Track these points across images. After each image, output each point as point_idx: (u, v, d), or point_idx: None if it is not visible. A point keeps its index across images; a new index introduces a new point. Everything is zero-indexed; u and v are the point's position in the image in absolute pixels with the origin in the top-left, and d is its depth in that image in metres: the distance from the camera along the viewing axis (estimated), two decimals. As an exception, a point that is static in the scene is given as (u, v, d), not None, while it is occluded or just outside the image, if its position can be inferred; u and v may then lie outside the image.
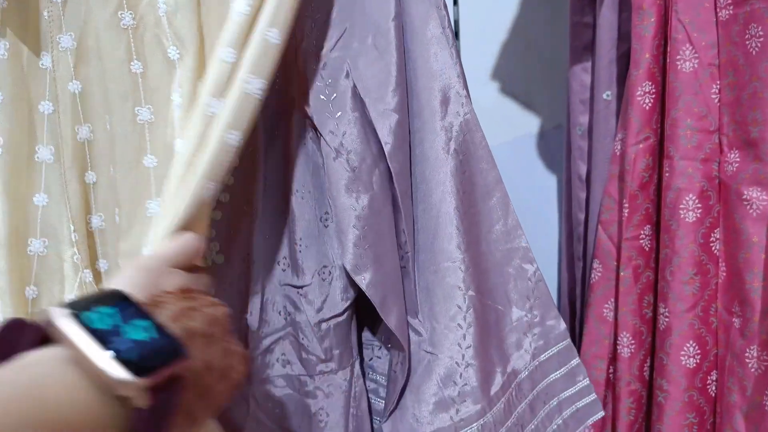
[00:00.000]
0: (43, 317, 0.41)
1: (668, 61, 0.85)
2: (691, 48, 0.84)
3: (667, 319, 0.87)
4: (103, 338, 0.40)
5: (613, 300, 0.92)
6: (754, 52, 0.79)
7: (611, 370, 0.94)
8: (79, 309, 0.41)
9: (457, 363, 0.64)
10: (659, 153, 0.88)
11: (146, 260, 0.49)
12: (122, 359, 0.39)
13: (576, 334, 1.07)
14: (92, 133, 0.62)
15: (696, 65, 0.84)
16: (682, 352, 0.86)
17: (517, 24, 1.19)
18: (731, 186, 0.84)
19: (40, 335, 0.41)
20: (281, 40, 0.54)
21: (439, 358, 0.65)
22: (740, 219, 0.83)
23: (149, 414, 0.40)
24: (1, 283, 0.60)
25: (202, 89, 0.54)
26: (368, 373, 0.71)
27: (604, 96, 0.98)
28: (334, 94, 0.63)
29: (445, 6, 0.67)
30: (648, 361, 0.91)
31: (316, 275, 0.66)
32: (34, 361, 0.39)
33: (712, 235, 0.86)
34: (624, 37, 0.95)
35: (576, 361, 0.69)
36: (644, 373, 0.91)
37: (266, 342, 0.67)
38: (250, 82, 0.54)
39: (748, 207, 0.82)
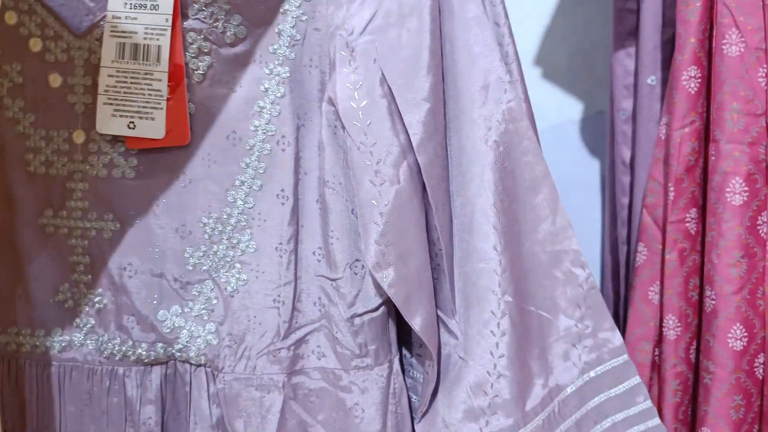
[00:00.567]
0: None
1: (714, 45, 0.85)
2: (737, 32, 0.83)
3: (713, 302, 0.85)
4: None
5: (658, 283, 0.91)
6: (801, 36, 0.78)
7: (656, 353, 0.93)
8: None
9: (488, 372, 0.60)
10: (705, 137, 0.88)
11: None
12: None
13: (620, 318, 1.06)
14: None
15: (742, 49, 0.83)
16: (729, 335, 0.84)
17: (558, 9, 1.18)
18: (779, 169, 0.83)
19: None
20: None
21: (470, 365, 0.61)
22: (787, 202, 0.81)
23: None
24: None
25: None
26: (408, 370, 0.68)
27: (649, 81, 0.98)
28: (360, 82, 0.60)
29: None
30: (694, 343, 0.90)
31: (348, 269, 0.63)
32: None
33: (759, 218, 0.85)
34: (668, 22, 0.95)
35: (636, 380, 0.62)
36: (690, 356, 0.90)
37: (300, 333, 0.64)
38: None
39: (796, 190, 0.80)
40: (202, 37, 0.62)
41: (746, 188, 0.84)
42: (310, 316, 0.65)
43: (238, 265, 0.65)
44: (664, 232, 0.89)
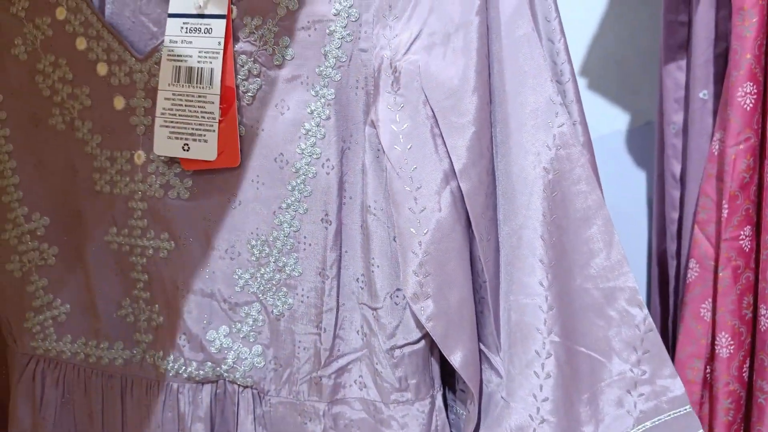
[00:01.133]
0: None
1: (771, 61, 0.80)
2: (794, 48, 0.77)
3: (768, 320, 0.81)
4: None
5: (710, 300, 0.87)
6: None
7: (708, 370, 0.88)
8: None
9: (530, 416, 0.54)
10: (760, 154, 0.84)
11: None
12: None
13: (668, 333, 1.02)
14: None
15: (800, 66, 0.77)
16: (785, 354, 0.80)
17: (606, 19, 1.13)
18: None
19: None
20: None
21: (512, 407, 0.55)
22: None
23: None
24: None
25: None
26: (451, 406, 0.62)
27: (701, 95, 0.92)
28: (402, 104, 0.55)
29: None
30: (747, 362, 0.86)
31: (388, 298, 0.58)
32: None
33: (816, 234, 0.80)
34: (721, 35, 0.90)
35: None
36: (743, 374, 0.86)
37: (342, 361, 0.61)
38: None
39: None
40: (252, 59, 0.60)
41: (803, 205, 0.78)
42: (352, 344, 0.61)
43: (284, 289, 0.62)
44: (717, 248, 0.85)
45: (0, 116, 0.67)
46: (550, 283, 0.54)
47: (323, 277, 0.60)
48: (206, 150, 0.62)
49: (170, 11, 0.62)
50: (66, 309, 0.69)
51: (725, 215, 0.83)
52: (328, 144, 0.59)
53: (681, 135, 0.97)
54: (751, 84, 0.80)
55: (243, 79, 0.60)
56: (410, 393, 0.59)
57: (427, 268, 0.54)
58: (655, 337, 0.55)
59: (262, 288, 0.63)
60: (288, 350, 0.62)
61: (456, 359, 0.55)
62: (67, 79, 0.65)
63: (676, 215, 0.99)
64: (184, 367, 0.65)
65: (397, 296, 0.58)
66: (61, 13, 0.64)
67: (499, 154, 0.56)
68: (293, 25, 0.59)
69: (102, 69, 0.64)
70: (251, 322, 0.63)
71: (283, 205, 0.61)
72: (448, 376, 0.62)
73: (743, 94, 0.80)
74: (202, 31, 0.61)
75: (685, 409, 0.54)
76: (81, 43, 0.64)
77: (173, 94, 0.62)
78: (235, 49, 0.60)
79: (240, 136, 0.61)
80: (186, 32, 0.62)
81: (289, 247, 0.61)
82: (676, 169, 0.98)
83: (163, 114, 0.63)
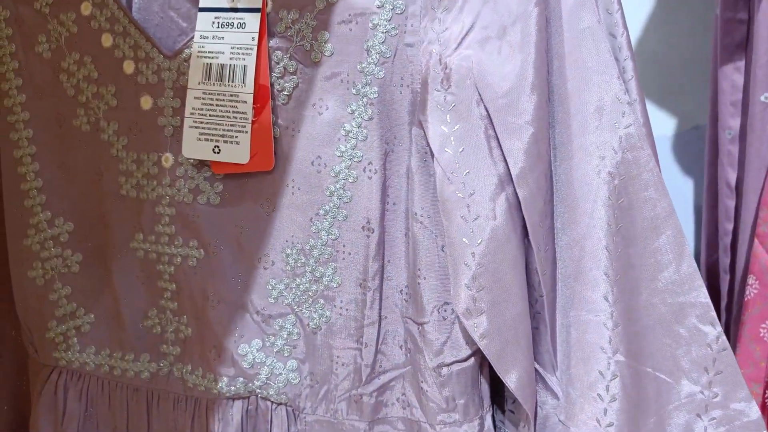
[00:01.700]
0: None
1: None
2: None
3: (831, 342, 0.74)
4: None
5: None
6: None
7: (767, 395, 0.81)
8: None
9: None
10: None
11: None
12: None
13: None
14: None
15: None
16: None
17: (653, 18, 1.07)
18: None
19: None
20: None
21: None
22: None
23: None
24: None
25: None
26: (500, 427, 0.56)
27: (762, 98, 0.84)
28: (454, 103, 0.49)
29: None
30: None
31: (435, 312, 0.52)
32: None
33: None
34: None
35: None
36: None
37: (384, 378, 0.55)
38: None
39: None
40: (288, 56, 0.54)
41: None
42: (395, 360, 0.55)
43: (321, 301, 0.56)
44: (779, 265, 0.77)
45: (23, 117, 0.62)
46: (615, 298, 0.48)
47: (364, 288, 0.54)
48: (238, 152, 0.56)
49: (201, 5, 0.57)
50: (90, 319, 0.63)
51: (789, 229, 0.76)
52: (370, 146, 0.53)
53: (737, 141, 0.90)
54: (818, 88, 0.74)
55: (278, 77, 0.55)
56: (458, 414, 0.53)
57: (481, 282, 0.48)
58: (729, 357, 0.49)
59: (297, 299, 0.57)
60: (325, 366, 0.56)
61: (511, 380, 0.49)
62: (92, 78, 0.59)
63: (730, 227, 0.92)
64: (214, 383, 0.59)
65: (445, 310, 0.52)
66: (86, 9, 0.59)
67: (558, 158, 0.50)
68: (333, 18, 0.53)
69: (128, 67, 0.59)
70: (285, 336, 0.58)
71: (321, 212, 0.55)
72: (497, 396, 0.56)
73: None
74: (235, 25, 0.55)
75: None
76: (107, 40, 0.59)
77: (203, 93, 0.57)
78: (269, 44, 0.55)
79: (274, 137, 0.56)
80: (217, 27, 0.56)
81: (326, 257, 0.55)
82: (732, 177, 0.91)
83: (192, 114, 0.57)
